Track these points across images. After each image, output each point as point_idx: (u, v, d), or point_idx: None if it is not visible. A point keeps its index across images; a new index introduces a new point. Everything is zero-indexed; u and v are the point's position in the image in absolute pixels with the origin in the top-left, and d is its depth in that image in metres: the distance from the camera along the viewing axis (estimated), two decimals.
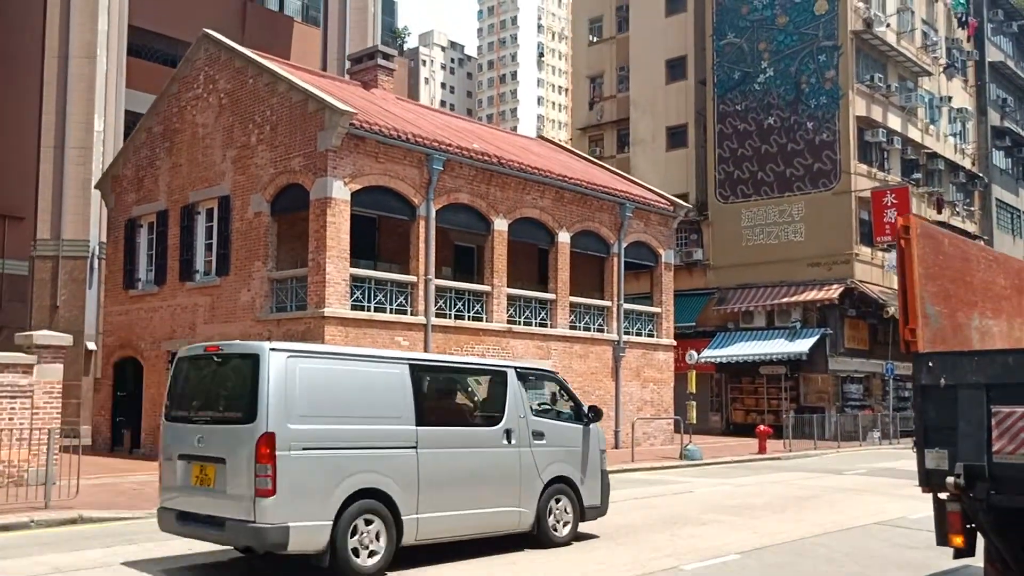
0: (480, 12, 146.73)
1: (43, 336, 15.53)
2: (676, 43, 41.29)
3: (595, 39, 46.30)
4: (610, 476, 12.54)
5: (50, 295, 28.86)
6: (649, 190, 30.69)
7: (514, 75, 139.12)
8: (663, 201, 29.60)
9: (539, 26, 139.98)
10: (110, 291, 25.54)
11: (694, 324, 37.68)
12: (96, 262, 28.64)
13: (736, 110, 39.05)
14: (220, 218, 22.12)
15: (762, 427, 27.45)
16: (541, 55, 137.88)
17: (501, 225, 23.75)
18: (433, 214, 21.92)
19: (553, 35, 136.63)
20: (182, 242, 23.05)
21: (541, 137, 37.75)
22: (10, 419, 14.87)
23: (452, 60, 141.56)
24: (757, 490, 17.95)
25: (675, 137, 41.41)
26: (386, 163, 20.94)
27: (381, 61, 26.44)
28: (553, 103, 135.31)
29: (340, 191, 19.93)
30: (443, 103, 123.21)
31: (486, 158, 23.09)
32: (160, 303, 23.58)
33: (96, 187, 26.76)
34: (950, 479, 7.12)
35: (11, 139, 32.52)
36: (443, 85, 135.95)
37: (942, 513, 7.54)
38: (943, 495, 7.42)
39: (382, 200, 21.12)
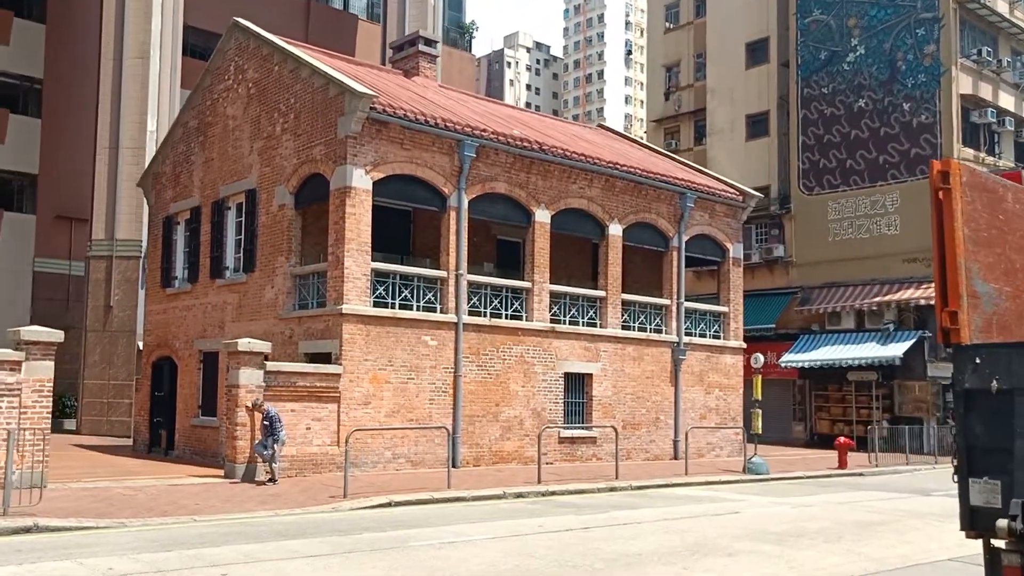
0: (566, 11, 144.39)
1: (31, 332, 14.83)
2: (757, 24, 38.76)
3: (671, 26, 44.10)
4: (654, 491, 10.76)
5: (104, 295, 28.80)
6: (715, 179, 28.48)
7: (601, 74, 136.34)
8: (731, 190, 27.37)
9: (627, 23, 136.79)
10: (150, 290, 25.18)
11: (774, 326, 35.16)
12: (146, 261, 28.46)
13: (822, 93, 36.23)
14: (247, 212, 21.32)
15: (842, 439, 24.87)
16: (629, 52, 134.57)
17: (543, 216, 22.14)
18: (465, 205, 20.50)
19: (641, 31, 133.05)
20: (213, 238, 22.38)
21: (600, 126, 35.86)
22: None
23: (537, 61, 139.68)
24: (817, 512, 15.74)
25: (755, 126, 38.81)
26: (412, 150, 19.65)
27: (423, 47, 25.23)
28: (641, 101, 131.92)
29: (360, 180, 18.73)
30: (528, 105, 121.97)
31: (525, 144, 21.53)
32: (193, 301, 22.96)
33: (138, 185, 26.45)
34: (1003, 522, 5.23)
35: (77, 142, 32.88)
36: (528, 87, 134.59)
37: (995, 567, 5.60)
38: (997, 543, 5.47)
39: (408, 190, 19.84)
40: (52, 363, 14.94)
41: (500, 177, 21.31)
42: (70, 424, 30.43)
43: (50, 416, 15.01)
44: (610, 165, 23.48)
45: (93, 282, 29.07)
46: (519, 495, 16.47)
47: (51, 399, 15.03)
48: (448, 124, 20.08)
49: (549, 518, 13.96)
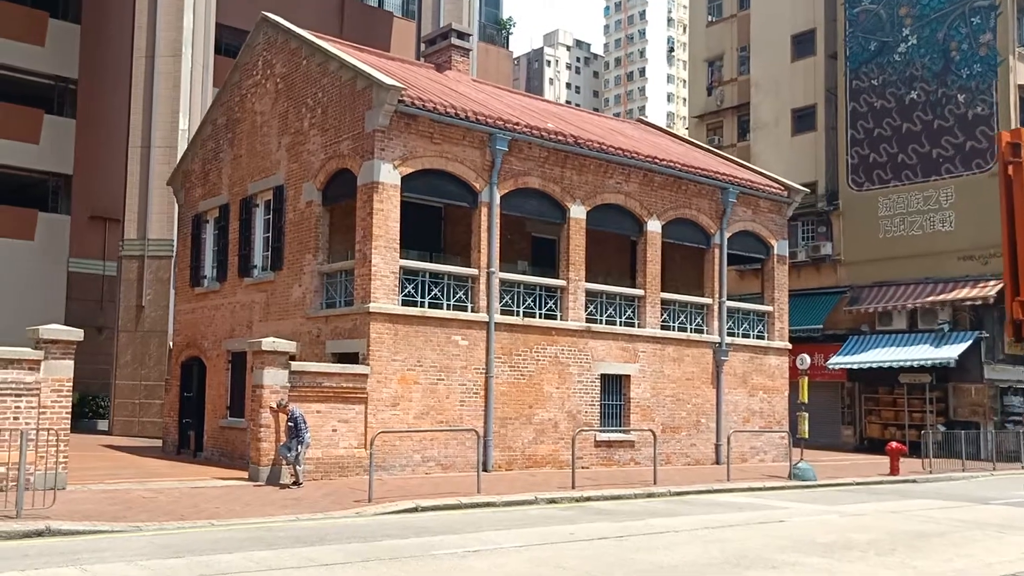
0: (607, 8, 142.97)
1: (50, 330, 14.51)
2: (803, 15, 37.65)
3: (713, 19, 43.11)
4: (694, 497, 10.05)
5: (136, 295, 28.67)
6: (759, 173, 27.50)
7: (642, 72, 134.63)
8: (775, 185, 26.36)
9: (669, 19, 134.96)
10: (180, 289, 24.93)
11: (821, 327, 34.06)
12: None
13: (872, 85, 34.99)
14: (275, 209, 20.90)
15: (894, 444, 23.76)
16: (671, 49, 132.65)
17: (578, 212, 21.39)
18: (497, 200, 19.84)
19: (684, 28, 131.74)
20: (241, 236, 22.01)
21: (639, 120, 34.99)
22: (15, 419, 13.94)
23: (578, 59, 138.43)
24: (868, 522, 14.77)
25: (801, 120, 37.68)
26: (442, 144, 19.04)
27: (455, 41, 24.66)
28: (684, 99, 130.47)
29: (388, 175, 18.16)
30: (568, 103, 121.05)
31: (559, 138, 20.81)
32: (222, 300, 22.61)
33: (168, 183, 26.21)
34: None
35: (110, 142, 32.90)
36: (568, 85, 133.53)
37: None
38: None
39: (438, 185, 19.23)
40: (72, 362, 14.65)
41: (533, 172, 20.62)
42: (103, 425, 30.37)
43: (69, 416, 14.69)
44: (648, 159, 22.67)
45: (125, 282, 28.97)
46: (552, 501, 15.78)
47: (71, 399, 14.72)
48: (479, 117, 19.45)
49: (582, 525, 13.27)
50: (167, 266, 28.14)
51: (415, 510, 14.05)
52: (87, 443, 25.19)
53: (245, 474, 17.21)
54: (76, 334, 14.70)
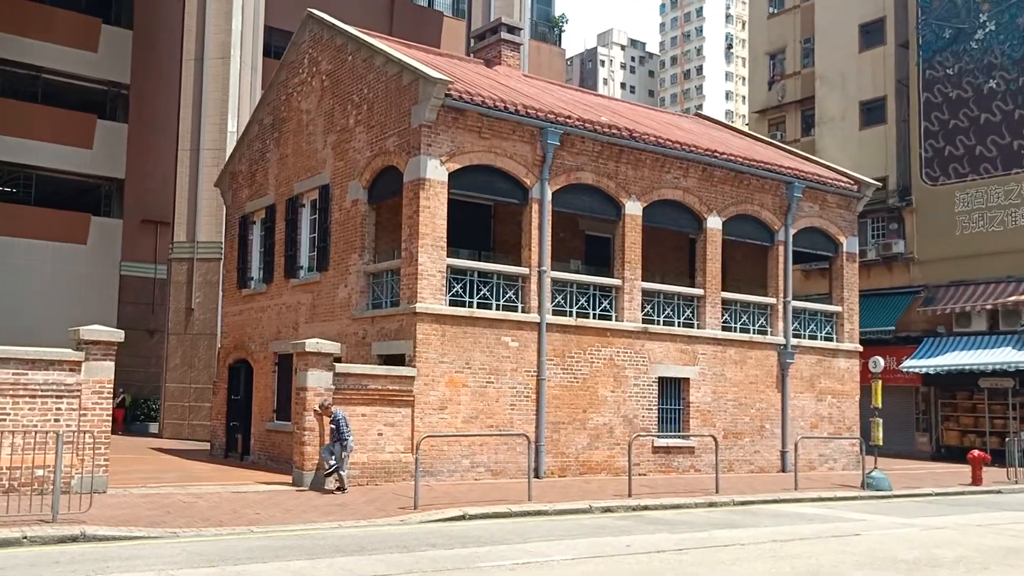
0: (662, 6, 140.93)
1: (91, 331, 14.19)
2: (872, 3, 36.10)
3: (775, 10, 41.70)
4: (759, 507, 9.16)
5: (186, 297, 28.56)
6: (826, 167, 26.24)
7: (699, 70, 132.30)
8: (843, 179, 25.08)
9: (727, 15, 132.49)
10: (227, 291, 24.64)
11: (894, 328, 32.48)
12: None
13: (947, 75, 33.31)
14: (321, 209, 20.41)
15: (976, 452, 22.32)
16: (730, 46, 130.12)
17: (634, 209, 20.47)
18: (549, 196, 19.05)
19: (743, 24, 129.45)
20: (287, 237, 21.60)
21: (697, 114, 33.84)
22: (56, 420, 13.67)
23: (632, 59, 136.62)
24: (952, 536, 13.60)
25: (870, 113, 36.11)
26: (491, 139, 18.32)
27: (505, 35, 23.95)
28: (743, 97, 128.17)
29: (435, 171, 17.50)
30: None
31: (613, 131, 19.93)
32: (268, 302, 22.21)
33: (215, 185, 25.98)
34: None
35: (161, 146, 32.99)
36: (623, 85, 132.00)
37: None
38: None
39: (487, 181, 18.52)
40: (112, 363, 14.33)
41: (587, 167, 19.78)
42: (155, 428, 30.35)
43: (111, 419, 14.36)
44: (708, 152, 21.64)
45: (175, 285, 28.92)
46: (606, 510, 14.95)
47: (111, 401, 14.38)
48: (530, 111, 18.69)
49: (638, 537, 12.39)
50: (216, 268, 27.93)
51: (462, 518, 13.36)
52: (136, 446, 25.12)
53: (289, 479, 16.70)
54: (117, 335, 14.37)
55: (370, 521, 12.63)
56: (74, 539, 10.63)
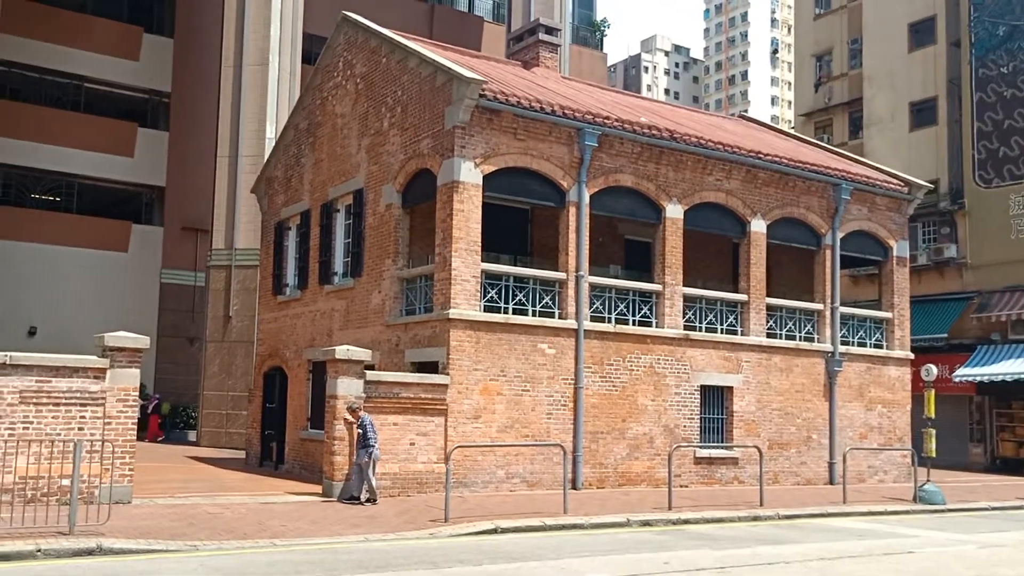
0: (707, 11, 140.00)
1: (116, 337, 13.97)
2: (922, 2, 35.13)
3: (821, 11, 40.83)
4: (805, 521, 8.61)
5: (224, 305, 28.51)
6: (875, 168, 25.40)
7: (744, 75, 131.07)
8: (893, 181, 24.22)
9: (772, 20, 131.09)
10: (262, 298, 24.49)
11: (946, 336, 31.43)
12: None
13: (1001, 73, 32.18)
14: (355, 214, 20.14)
15: None
16: (775, 51, 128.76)
17: (675, 212, 19.88)
18: (586, 199, 18.55)
19: (788, 28, 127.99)
20: (321, 243, 21.36)
21: (741, 116, 33.09)
22: (79, 429, 13.46)
23: (676, 64, 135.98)
24: (1013, 555, 12.88)
25: (921, 114, 35.09)
26: (527, 140, 17.89)
27: (543, 36, 23.53)
28: (789, 102, 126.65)
29: (469, 173, 17.11)
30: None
31: (653, 132, 19.39)
32: (303, 309, 21.98)
33: (252, 191, 25.88)
34: None
35: (201, 154, 33.10)
36: (667, 91, 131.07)
37: None
38: None
39: (523, 184, 18.08)
40: (138, 371, 14.10)
41: (626, 169, 19.25)
42: (194, 436, 30.33)
43: (135, 427, 14.11)
44: (751, 154, 20.98)
45: (213, 292, 28.88)
46: (645, 523, 14.40)
47: (137, 408, 14.15)
48: (566, 111, 18.22)
49: (678, 553, 11.86)
50: (253, 276, 27.81)
51: (494, 531, 12.90)
52: (174, 454, 25.04)
53: (320, 489, 16.33)
54: (142, 341, 14.13)
55: (398, 534, 12.22)
56: (90, 552, 10.34)
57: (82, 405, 13.52)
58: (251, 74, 28.87)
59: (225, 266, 28.67)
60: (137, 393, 14.11)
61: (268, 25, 29.02)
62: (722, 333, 20.50)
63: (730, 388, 20.36)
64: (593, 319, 18.55)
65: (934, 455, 20.15)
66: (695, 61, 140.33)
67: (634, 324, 19.23)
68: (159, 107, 36.95)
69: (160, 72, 36.21)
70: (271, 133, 28.40)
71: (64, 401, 13.35)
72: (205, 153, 31.99)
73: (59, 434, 13.12)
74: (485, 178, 17.38)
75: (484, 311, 17.25)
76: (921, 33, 35.34)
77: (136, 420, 14.12)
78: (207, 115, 32.17)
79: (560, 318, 18.14)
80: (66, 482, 12.45)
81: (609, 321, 18.87)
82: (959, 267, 32.62)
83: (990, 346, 30.80)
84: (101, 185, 35.81)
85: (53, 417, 13.24)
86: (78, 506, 11.35)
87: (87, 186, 35.83)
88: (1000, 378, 29.35)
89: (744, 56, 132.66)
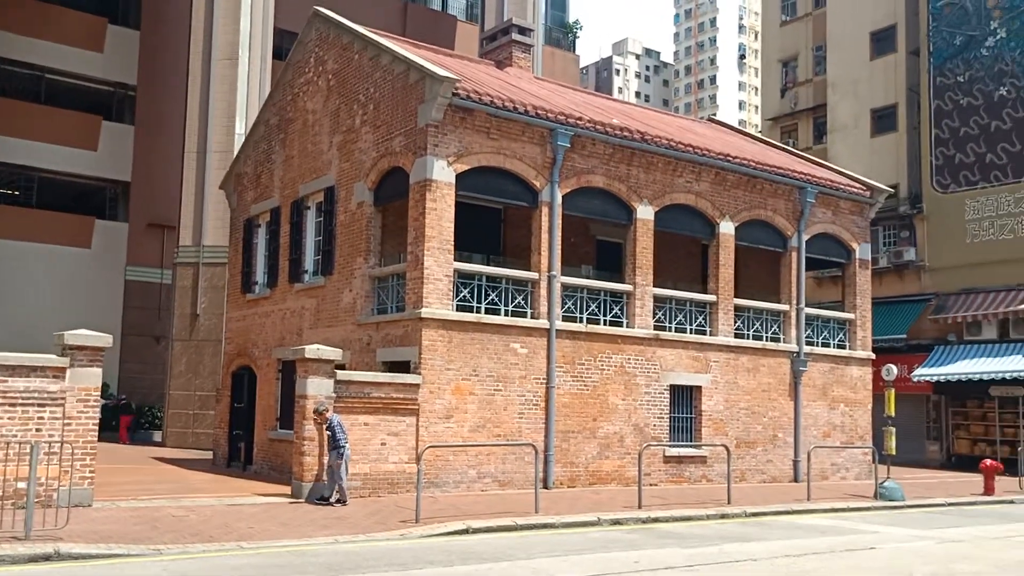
0: (677, 16, 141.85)
1: (76, 336, 13.54)
2: (883, 10, 35.84)
3: (787, 18, 41.42)
4: (771, 519, 8.75)
5: (191, 303, 28.18)
6: (838, 172, 25.83)
7: (713, 79, 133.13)
8: (856, 185, 24.66)
9: (740, 26, 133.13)
10: (231, 296, 24.26)
11: (905, 336, 32.20)
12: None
13: (958, 82, 32.97)
14: (326, 211, 20.04)
15: (989, 461, 21.88)
16: (742, 56, 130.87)
17: (645, 213, 20.07)
18: (559, 200, 18.66)
19: (756, 35, 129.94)
20: (292, 240, 21.21)
21: (710, 119, 33.46)
22: (37, 430, 13.04)
23: (647, 68, 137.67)
24: (969, 550, 13.20)
25: (882, 120, 35.80)
26: (500, 140, 17.95)
27: (516, 36, 23.59)
28: (756, 106, 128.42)
29: (442, 172, 17.13)
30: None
31: (625, 134, 19.55)
32: (272, 307, 21.84)
33: (220, 187, 25.63)
34: None
35: (168, 149, 32.70)
36: (637, 94, 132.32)
37: None
38: None
39: (496, 183, 18.13)
40: (100, 370, 13.68)
41: (597, 170, 19.39)
42: (159, 436, 29.88)
43: (97, 428, 13.68)
44: (721, 156, 21.24)
45: (180, 290, 28.53)
46: (616, 522, 14.51)
47: (99, 409, 13.79)
48: (539, 111, 18.31)
49: (647, 552, 11.96)
50: (222, 273, 27.54)
51: (465, 532, 12.92)
52: (138, 455, 24.62)
53: (289, 490, 16.24)
54: (104, 340, 13.73)
55: (368, 536, 12.15)
56: (47, 558, 10.03)
57: (40, 405, 13.08)
58: (220, 68, 28.58)
59: (193, 263, 28.35)
60: (99, 393, 13.74)
61: (238, 19, 28.74)
62: (691, 333, 20.74)
63: (699, 388, 20.61)
64: (565, 319, 18.67)
65: (894, 453, 20.58)
66: (665, 65, 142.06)
67: (605, 324, 19.38)
68: (124, 100, 36.32)
69: (126, 64, 35.59)
70: (240, 129, 28.14)
71: (21, 401, 12.93)
72: (172, 148, 31.57)
73: (15, 435, 12.72)
74: (458, 177, 17.40)
75: (456, 310, 17.27)
76: (882, 41, 36.04)
77: (98, 421, 13.73)
78: (174, 109, 31.75)
79: (532, 318, 18.22)
80: (23, 485, 11.97)
81: (581, 321, 19.00)
82: (918, 270, 33.33)
83: (946, 347, 31.54)
84: (63, 179, 35.11)
85: (9, 418, 12.81)
86: (35, 510, 11.05)
87: (49, 180, 35.14)
88: (956, 378, 30.10)
89: (713, 61, 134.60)
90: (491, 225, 20.44)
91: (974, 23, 32.78)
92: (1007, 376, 28.85)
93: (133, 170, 35.15)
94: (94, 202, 36.21)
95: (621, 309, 19.76)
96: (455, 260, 17.33)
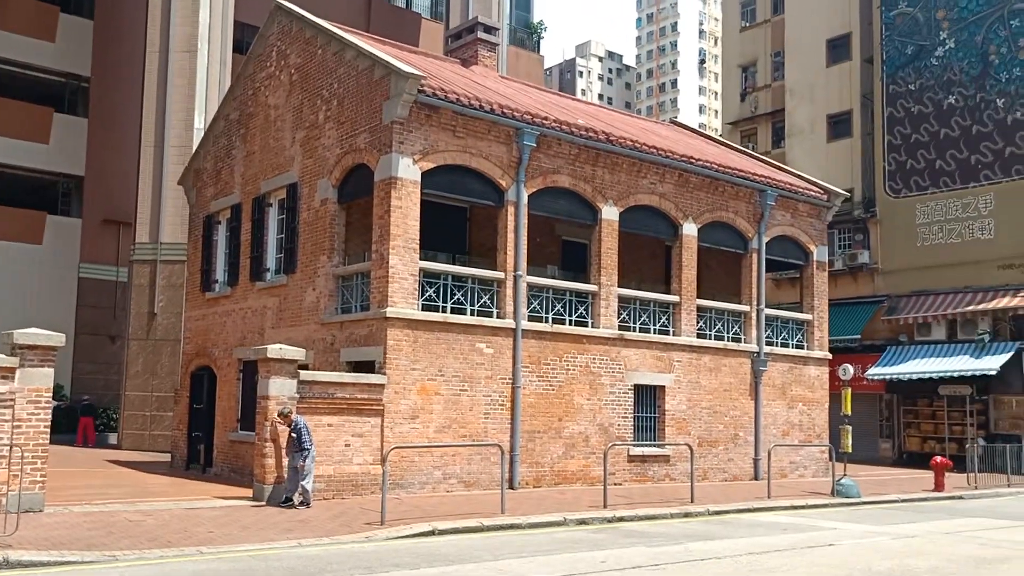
0: (639, 20, 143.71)
1: (26, 335, 13.05)
2: (839, 19, 36.53)
3: (747, 24, 41.96)
4: (734, 517, 8.81)
5: (148, 301, 27.61)
6: (797, 176, 26.22)
7: (674, 83, 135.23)
8: (814, 189, 25.04)
9: (700, 31, 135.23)
10: (190, 294, 23.81)
11: (859, 337, 32.85)
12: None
13: (909, 90, 33.70)
14: (288, 209, 19.78)
15: (939, 458, 22.40)
16: (703, 61, 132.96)
17: (610, 214, 20.15)
18: (525, 199, 18.64)
19: (715, 40, 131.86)
20: (253, 238, 20.90)
21: (673, 121, 33.74)
22: None
23: (610, 71, 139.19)
24: (923, 545, 13.49)
25: (837, 126, 36.48)
26: (466, 138, 17.87)
27: (482, 35, 23.52)
28: (716, 111, 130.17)
29: (407, 170, 17.01)
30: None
31: (591, 134, 19.60)
32: (233, 306, 21.50)
33: (179, 183, 25.15)
34: None
35: (125, 143, 32.00)
36: (600, 96, 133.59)
37: None
38: None
39: (461, 182, 18.06)
40: (51, 371, 13.20)
41: (563, 170, 19.41)
42: (115, 439, 29.11)
43: (48, 430, 13.22)
44: (684, 159, 21.41)
45: (136, 288, 27.88)
46: (582, 522, 14.54)
47: (50, 410, 13.30)
48: (506, 110, 18.28)
49: (614, 551, 12.00)
50: (180, 271, 27.01)
51: (431, 533, 12.81)
52: (92, 459, 23.92)
53: (251, 492, 15.95)
54: (56, 339, 13.26)
55: (333, 539, 11.94)
56: None
57: None
58: (178, 61, 28.01)
59: (150, 261, 27.73)
60: (51, 394, 13.29)
61: (197, 11, 28.19)
62: (655, 333, 20.88)
63: (662, 387, 20.75)
64: (531, 319, 18.66)
65: (850, 451, 20.95)
66: (628, 68, 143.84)
67: (571, 324, 19.42)
68: (77, 92, 35.36)
69: (79, 55, 34.64)
70: (200, 123, 27.63)
71: None
72: (128, 142, 30.88)
73: None
74: (423, 175, 17.29)
75: (422, 310, 17.16)
76: (838, 49, 36.75)
77: (49, 423, 13.27)
78: (130, 102, 31.05)
79: (498, 318, 18.18)
80: None
81: (546, 321, 19.01)
82: (871, 272, 33.98)
83: (898, 347, 32.22)
84: (13, 173, 33.96)
85: None
86: None
87: None
88: (907, 377, 30.79)
89: (674, 65, 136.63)
90: (457, 224, 20.35)
91: (924, 33, 33.53)
92: (955, 375, 29.54)
93: (87, 164, 34.23)
94: (46, 197, 35.18)
95: (586, 309, 19.81)
96: (421, 259, 17.22)
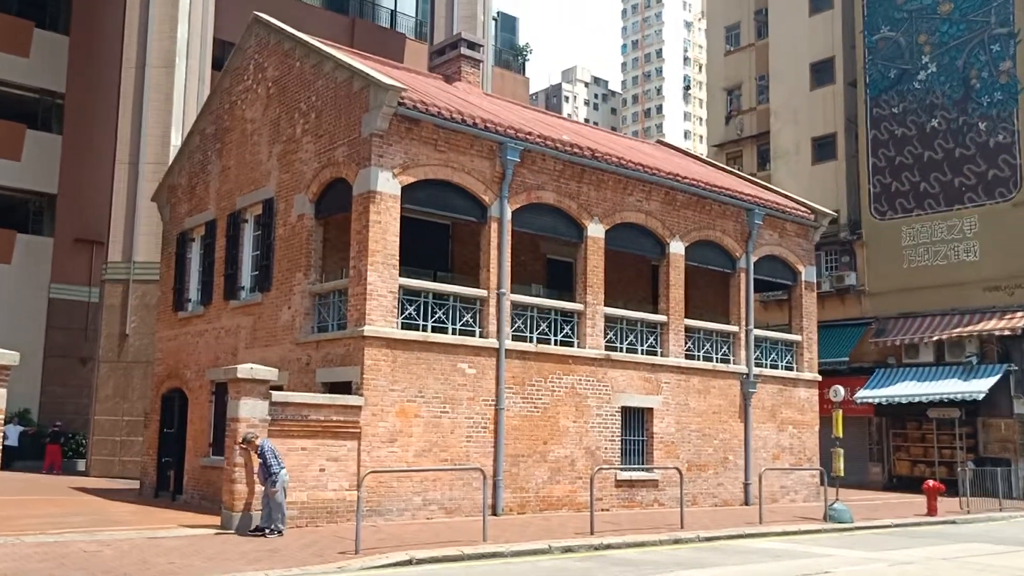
0: (624, 46, 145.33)
1: None
2: (822, 44, 36.63)
3: (731, 48, 42.07)
4: (725, 543, 8.25)
5: (120, 322, 26.79)
6: (785, 196, 25.86)
7: (659, 109, 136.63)
8: (801, 209, 24.68)
9: (685, 58, 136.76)
10: (162, 314, 23.04)
11: (847, 359, 32.55)
12: None
13: (893, 113, 33.67)
14: (264, 225, 19.13)
15: (931, 482, 21.96)
16: (687, 88, 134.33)
17: (596, 231, 19.64)
18: (508, 215, 18.11)
19: (700, 67, 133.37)
20: (227, 255, 20.22)
21: (659, 141, 33.42)
22: None
23: (596, 96, 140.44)
24: (921, 572, 13.03)
25: (822, 148, 36.43)
26: (448, 152, 17.35)
27: (465, 51, 23.09)
28: (700, 136, 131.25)
29: (387, 184, 16.44)
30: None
31: (575, 150, 19.13)
32: (206, 326, 20.77)
33: (153, 199, 24.45)
34: None
35: (99, 161, 31.27)
36: (586, 120, 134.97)
37: None
38: None
39: (443, 197, 17.50)
40: (4, 391, 12.33)
41: (548, 186, 18.91)
42: (83, 465, 28.04)
43: (0, 454, 12.49)
44: (671, 176, 20.98)
45: (108, 308, 27.04)
46: (567, 549, 13.90)
47: (1, 433, 12.53)
48: (488, 125, 17.78)
49: None
50: (154, 291, 26.17)
51: (409, 563, 12.12)
52: (56, 486, 22.88)
53: (220, 520, 15.16)
54: (11, 357, 12.41)
55: (303, 569, 11.20)
56: None
57: None
58: (155, 76, 27.40)
59: (123, 280, 26.92)
60: (2, 416, 12.33)
61: (175, 26, 27.64)
62: (642, 354, 20.32)
63: (650, 409, 20.16)
64: (515, 338, 18.06)
65: (842, 474, 20.44)
66: (613, 93, 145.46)
67: (556, 344, 18.84)
68: (52, 108, 34.61)
69: (53, 71, 33.88)
70: (177, 140, 26.98)
71: None
72: (102, 159, 30.15)
73: None
74: (404, 190, 16.73)
75: (401, 328, 16.54)
76: (821, 72, 36.81)
77: (2, 447, 12.56)
78: (105, 119, 30.34)
79: (481, 337, 17.57)
80: None
81: (531, 341, 18.42)
82: (858, 294, 33.72)
83: (887, 369, 31.93)
84: None
85: None
86: None
87: None
88: (896, 400, 30.46)
89: (659, 91, 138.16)
90: (439, 241, 19.75)
91: (907, 57, 33.58)
92: (943, 398, 29.26)
93: (60, 182, 33.37)
94: (16, 215, 34.29)
95: (572, 329, 19.24)
96: (400, 276, 16.61)
